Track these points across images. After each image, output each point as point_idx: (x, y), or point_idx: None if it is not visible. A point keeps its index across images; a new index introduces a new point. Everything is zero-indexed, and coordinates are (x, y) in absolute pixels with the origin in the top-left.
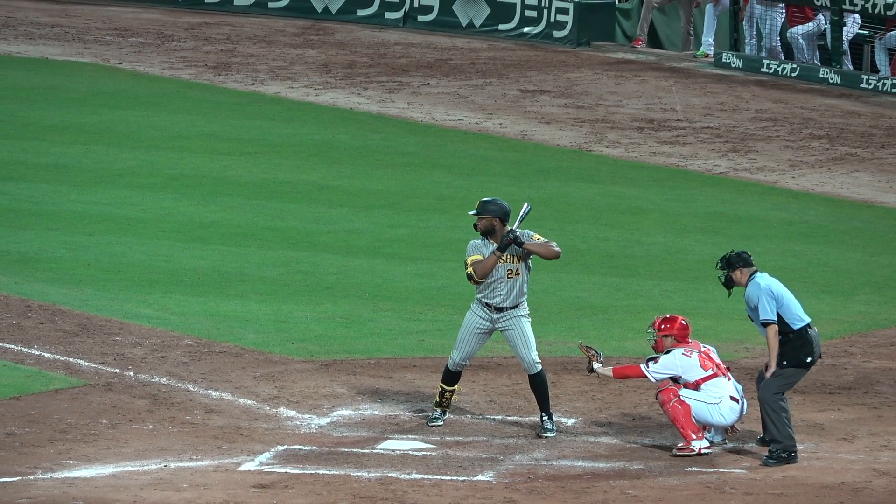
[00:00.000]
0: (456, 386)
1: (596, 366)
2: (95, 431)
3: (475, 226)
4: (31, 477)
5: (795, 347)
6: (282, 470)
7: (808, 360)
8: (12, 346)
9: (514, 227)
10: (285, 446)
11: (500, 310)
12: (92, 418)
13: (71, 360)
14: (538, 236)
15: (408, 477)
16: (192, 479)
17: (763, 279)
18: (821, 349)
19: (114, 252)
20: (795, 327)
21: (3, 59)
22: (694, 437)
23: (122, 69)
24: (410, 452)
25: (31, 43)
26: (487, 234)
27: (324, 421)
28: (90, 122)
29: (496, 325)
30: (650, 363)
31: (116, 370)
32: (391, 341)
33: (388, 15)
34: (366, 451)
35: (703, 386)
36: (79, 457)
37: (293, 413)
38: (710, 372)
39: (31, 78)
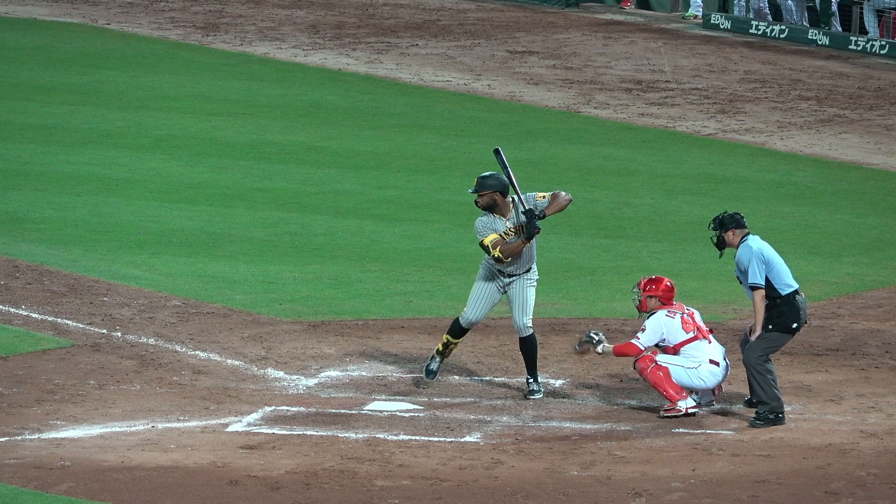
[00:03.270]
0: (461, 339)
1: (599, 349)
2: (83, 392)
3: (476, 202)
4: (19, 437)
5: (782, 313)
6: (269, 431)
7: (794, 325)
8: (0, 307)
9: (526, 207)
10: (273, 407)
11: (511, 275)
12: (79, 379)
13: (59, 320)
14: (541, 194)
15: (395, 438)
16: (180, 439)
17: (755, 242)
18: (807, 315)
19: (102, 213)
20: (783, 293)
21: None
22: (678, 397)
23: (111, 29)
24: (398, 413)
25: (19, 3)
26: (489, 208)
27: (311, 382)
28: (78, 82)
29: (506, 289)
30: (639, 335)
31: (104, 331)
32: (379, 302)
33: None
34: (353, 411)
35: (682, 350)
36: (66, 417)
37: (281, 374)
38: (690, 334)
39: (19, 38)
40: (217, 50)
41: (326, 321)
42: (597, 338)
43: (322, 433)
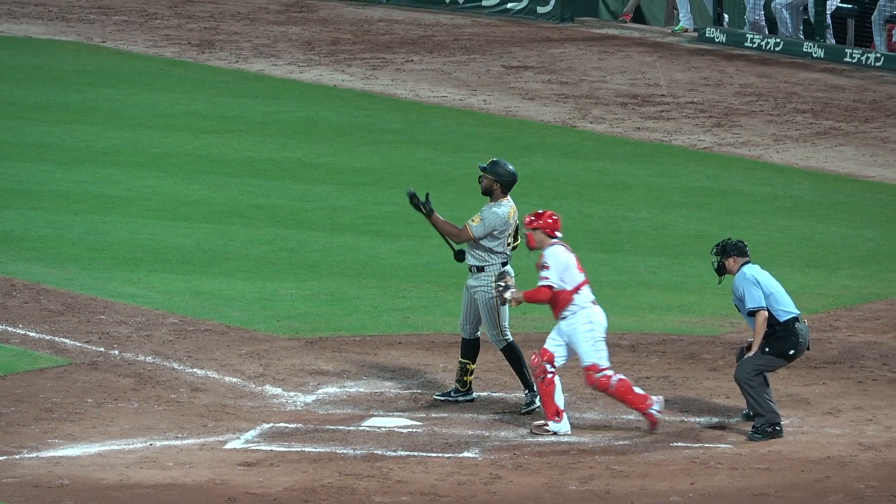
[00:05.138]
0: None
1: (507, 295)
2: (81, 410)
3: (480, 179)
4: (17, 456)
5: (780, 338)
6: (267, 448)
7: (792, 352)
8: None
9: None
10: (271, 424)
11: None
12: (77, 397)
13: (56, 338)
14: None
15: (393, 454)
16: (178, 457)
17: (749, 269)
18: (808, 342)
19: (98, 231)
20: (781, 319)
21: None
22: (552, 418)
23: (106, 47)
24: (396, 429)
25: (14, 22)
26: (487, 193)
27: (309, 398)
28: (74, 100)
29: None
30: (544, 275)
31: (101, 349)
32: (376, 318)
33: None
34: (351, 428)
35: (576, 296)
36: (64, 436)
37: (279, 391)
38: (583, 276)
39: (15, 57)
40: (212, 67)
41: (324, 337)
42: (503, 285)
43: (320, 449)
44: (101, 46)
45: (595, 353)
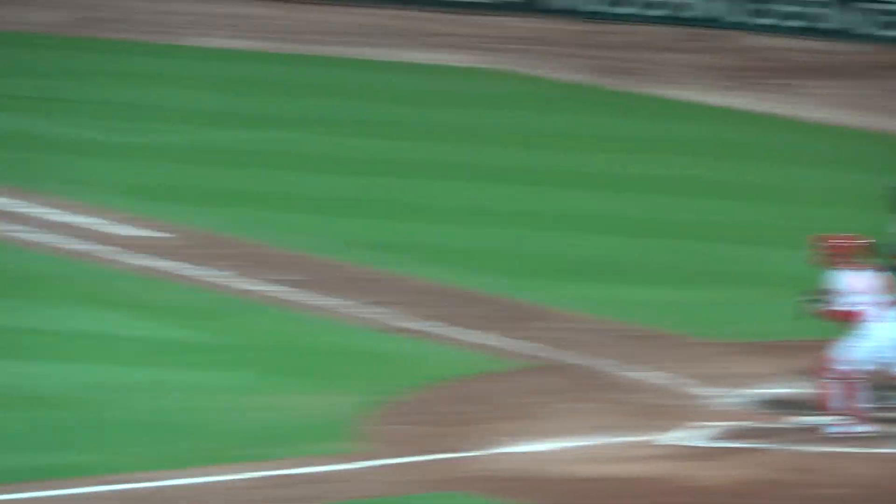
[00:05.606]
0: None
1: (818, 305)
2: (531, 410)
3: None
4: (470, 454)
5: None
6: (699, 444)
7: None
8: (459, 332)
9: None
10: (702, 422)
11: None
12: (527, 398)
13: (508, 343)
14: None
15: (830, 449)
16: (617, 453)
17: None
18: None
19: (532, 244)
20: None
21: (399, 66)
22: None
23: (520, 73)
24: (824, 426)
25: (431, 50)
26: None
27: (740, 398)
28: (485, 123)
29: None
30: (836, 299)
31: (549, 353)
32: (792, 324)
33: (779, 22)
34: (782, 425)
35: (863, 314)
36: (520, 433)
37: (708, 391)
38: (871, 298)
39: (428, 82)
40: (627, 93)
41: (751, 342)
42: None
43: (751, 445)
44: (515, 73)
45: (850, 352)
